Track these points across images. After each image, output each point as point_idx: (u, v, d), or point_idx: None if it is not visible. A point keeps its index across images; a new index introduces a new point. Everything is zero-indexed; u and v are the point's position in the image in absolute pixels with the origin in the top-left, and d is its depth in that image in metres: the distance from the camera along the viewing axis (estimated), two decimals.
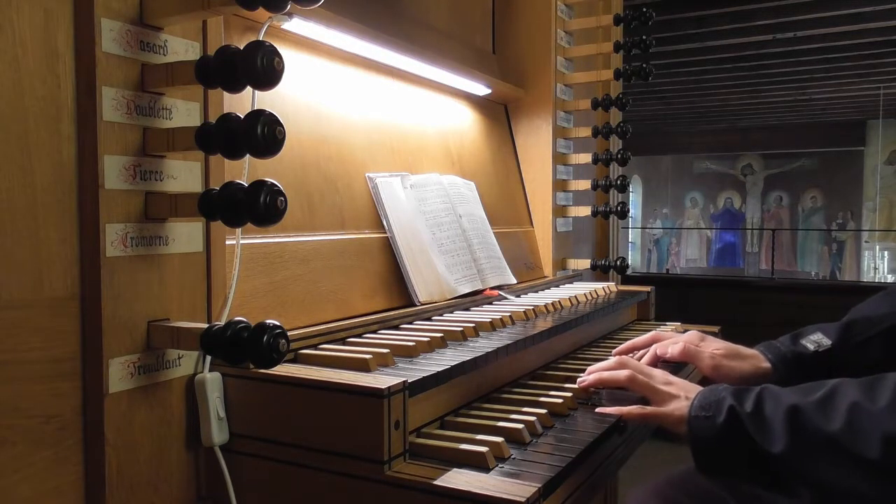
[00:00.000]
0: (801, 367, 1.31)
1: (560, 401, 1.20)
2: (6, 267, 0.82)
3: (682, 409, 1.16)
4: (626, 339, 1.77)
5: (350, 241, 1.37)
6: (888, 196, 12.84)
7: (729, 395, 1.10)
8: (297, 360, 1.08)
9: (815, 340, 1.34)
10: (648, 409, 1.20)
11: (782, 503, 1.21)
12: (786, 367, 1.32)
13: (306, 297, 1.23)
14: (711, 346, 1.39)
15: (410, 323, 1.36)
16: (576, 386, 1.29)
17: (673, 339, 1.46)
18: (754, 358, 1.36)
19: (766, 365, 1.33)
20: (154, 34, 0.94)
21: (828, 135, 13.14)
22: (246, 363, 0.87)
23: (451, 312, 1.49)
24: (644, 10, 2.05)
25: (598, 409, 1.21)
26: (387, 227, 1.47)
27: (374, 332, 1.26)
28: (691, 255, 15.63)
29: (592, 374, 1.30)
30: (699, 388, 1.17)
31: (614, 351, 1.53)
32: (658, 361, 1.45)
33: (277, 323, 0.85)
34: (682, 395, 1.18)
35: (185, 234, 0.99)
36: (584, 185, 2.17)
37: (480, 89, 1.99)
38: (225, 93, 0.97)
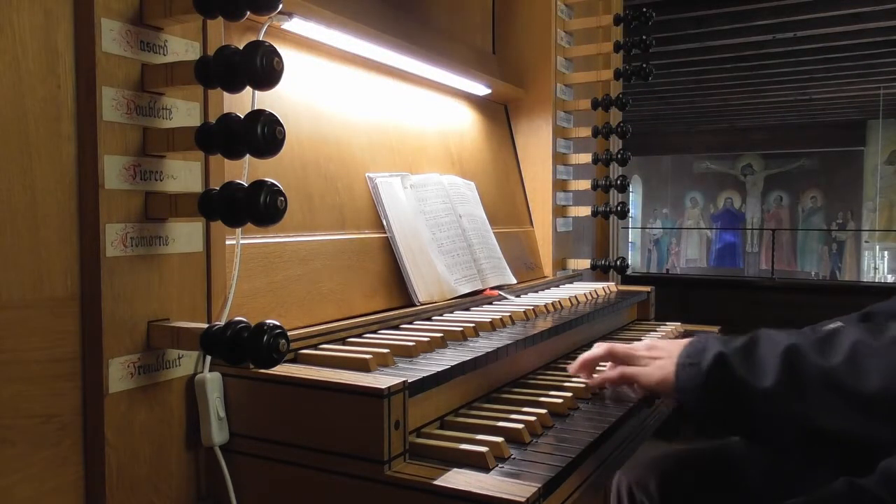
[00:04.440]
0: None
1: (560, 401, 1.20)
2: (6, 267, 0.82)
3: (666, 366, 1.16)
4: (626, 339, 1.78)
5: (350, 241, 1.37)
6: (888, 196, 12.83)
7: (717, 341, 1.10)
8: (298, 360, 1.08)
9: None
10: (628, 368, 1.22)
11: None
12: None
13: (306, 297, 1.23)
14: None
15: (410, 323, 1.36)
16: (576, 385, 1.30)
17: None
18: None
19: None
20: (154, 34, 0.94)
21: (828, 135, 13.13)
22: (246, 363, 0.87)
23: (451, 312, 1.49)
24: (644, 10, 2.05)
25: (587, 381, 1.29)
26: (387, 227, 1.47)
27: (375, 332, 1.26)
28: (691, 255, 15.63)
29: (578, 359, 1.34)
30: (686, 343, 1.17)
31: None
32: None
33: (277, 323, 0.85)
34: (665, 355, 1.19)
35: (185, 234, 0.99)
36: (584, 185, 2.17)
37: (480, 89, 1.99)
38: (225, 93, 0.97)
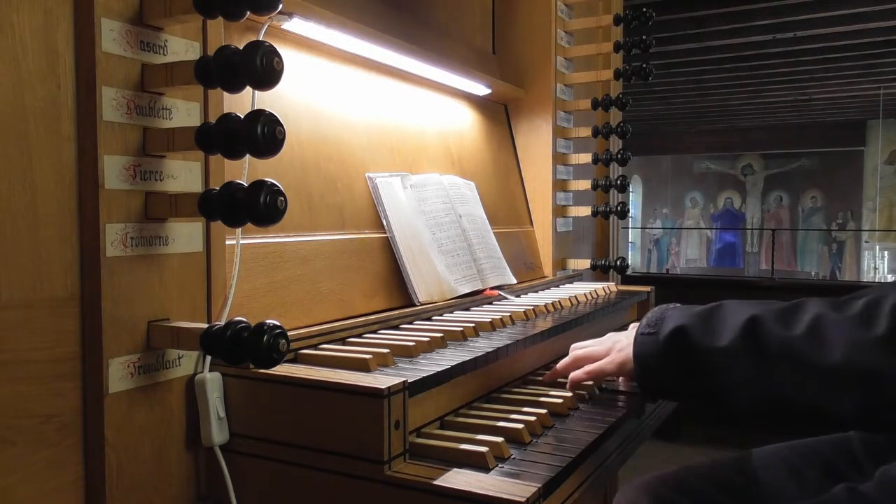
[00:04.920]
0: None
1: (560, 401, 1.20)
2: (6, 267, 0.82)
3: (625, 348, 1.17)
4: None
5: (350, 241, 1.37)
6: (888, 196, 12.83)
7: (677, 311, 1.10)
8: (298, 360, 1.08)
9: None
10: (592, 365, 1.24)
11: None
12: None
13: (306, 297, 1.23)
14: None
15: (410, 323, 1.36)
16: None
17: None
18: None
19: None
20: (154, 34, 0.94)
21: (828, 135, 13.14)
22: (246, 363, 0.87)
23: (451, 312, 1.49)
24: (644, 10, 2.05)
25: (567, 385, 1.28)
26: (387, 227, 1.47)
27: (375, 332, 1.26)
28: (691, 255, 15.63)
29: (550, 373, 1.35)
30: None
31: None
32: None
33: (277, 323, 0.85)
34: (624, 340, 1.20)
35: (185, 234, 0.99)
36: (584, 185, 2.17)
37: (480, 89, 1.99)
38: (225, 93, 0.97)
